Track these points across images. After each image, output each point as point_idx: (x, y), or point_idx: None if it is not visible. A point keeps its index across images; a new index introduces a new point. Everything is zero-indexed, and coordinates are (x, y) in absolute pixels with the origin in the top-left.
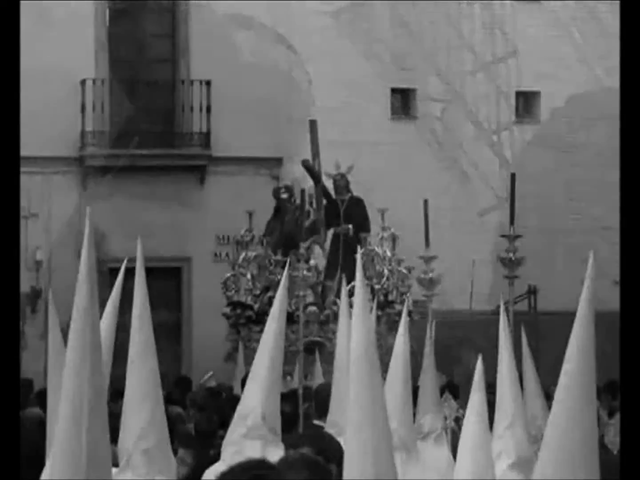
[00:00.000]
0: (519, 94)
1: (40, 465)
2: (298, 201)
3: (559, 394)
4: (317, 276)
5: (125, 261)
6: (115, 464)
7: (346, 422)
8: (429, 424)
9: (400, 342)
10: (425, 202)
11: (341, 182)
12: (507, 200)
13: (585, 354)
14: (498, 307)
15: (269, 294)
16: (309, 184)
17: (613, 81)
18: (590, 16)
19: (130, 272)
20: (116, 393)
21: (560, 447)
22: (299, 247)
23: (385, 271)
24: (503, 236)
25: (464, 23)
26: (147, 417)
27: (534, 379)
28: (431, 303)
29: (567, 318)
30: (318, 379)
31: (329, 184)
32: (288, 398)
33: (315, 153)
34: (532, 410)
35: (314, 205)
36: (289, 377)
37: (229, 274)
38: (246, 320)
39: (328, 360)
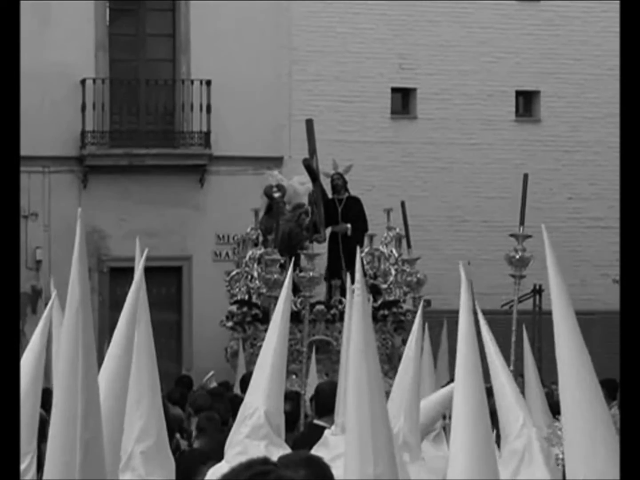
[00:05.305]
0: (519, 94)
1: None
2: (286, 198)
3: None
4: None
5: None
6: None
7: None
8: None
9: (412, 342)
10: (402, 204)
11: (339, 182)
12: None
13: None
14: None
15: (275, 292)
16: (296, 183)
17: (612, 80)
18: (590, 16)
19: (130, 272)
20: None
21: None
22: (304, 247)
23: (392, 270)
24: (512, 235)
25: (464, 23)
26: (146, 418)
27: (535, 377)
28: (420, 303)
29: None
30: (313, 379)
31: (326, 183)
32: (289, 398)
33: (313, 152)
34: (534, 409)
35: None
36: (293, 376)
37: (234, 272)
38: (252, 318)
39: (335, 359)
